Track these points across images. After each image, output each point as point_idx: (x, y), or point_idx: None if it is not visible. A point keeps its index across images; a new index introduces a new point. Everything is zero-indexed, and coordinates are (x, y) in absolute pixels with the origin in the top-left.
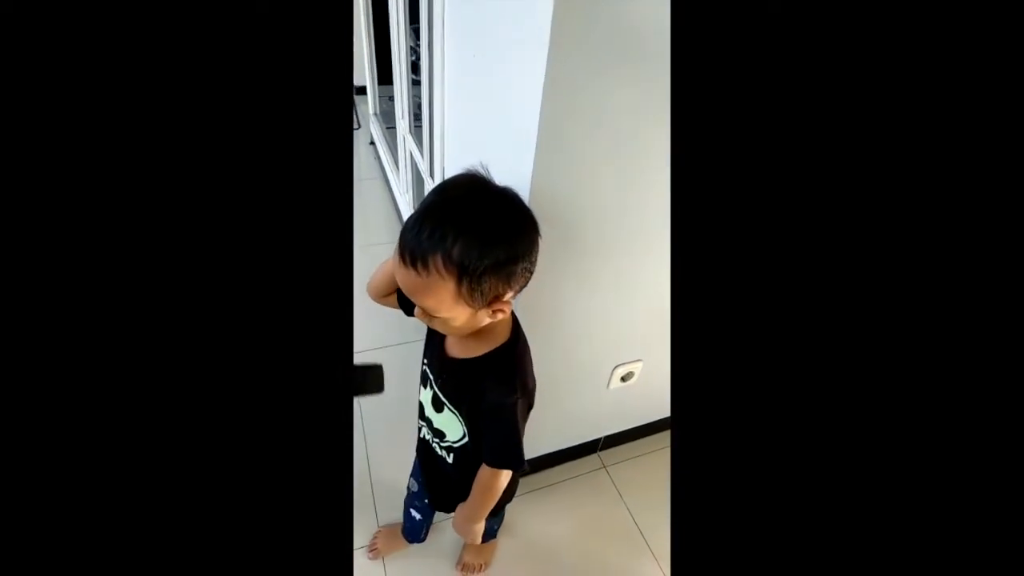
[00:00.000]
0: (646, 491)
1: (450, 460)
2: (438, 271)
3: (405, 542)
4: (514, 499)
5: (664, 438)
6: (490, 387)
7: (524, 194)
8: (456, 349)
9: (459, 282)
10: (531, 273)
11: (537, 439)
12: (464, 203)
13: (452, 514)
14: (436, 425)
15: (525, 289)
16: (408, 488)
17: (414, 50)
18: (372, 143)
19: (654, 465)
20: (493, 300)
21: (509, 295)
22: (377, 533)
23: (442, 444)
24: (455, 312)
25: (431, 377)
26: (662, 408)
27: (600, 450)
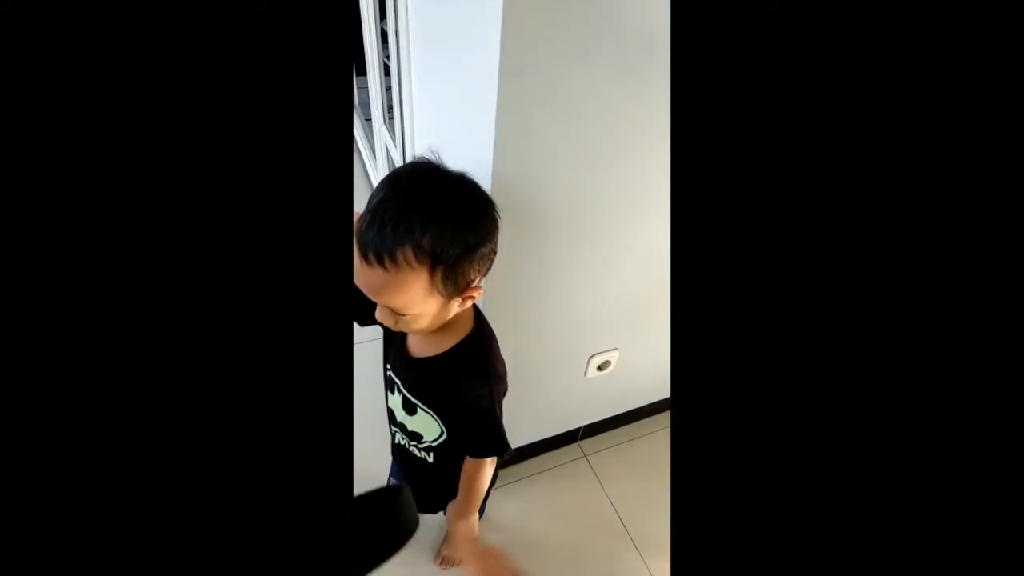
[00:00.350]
0: (627, 479)
1: (431, 460)
2: (408, 264)
3: None
4: (493, 491)
5: (644, 426)
6: (463, 381)
7: (487, 181)
8: (420, 348)
9: (432, 272)
10: (495, 255)
11: (516, 429)
12: (424, 190)
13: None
14: (411, 428)
15: (494, 279)
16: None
17: (385, 38)
18: None
19: (635, 453)
20: (464, 287)
21: (478, 280)
22: None
23: (420, 446)
24: (427, 306)
25: (397, 381)
26: (641, 396)
27: (580, 439)
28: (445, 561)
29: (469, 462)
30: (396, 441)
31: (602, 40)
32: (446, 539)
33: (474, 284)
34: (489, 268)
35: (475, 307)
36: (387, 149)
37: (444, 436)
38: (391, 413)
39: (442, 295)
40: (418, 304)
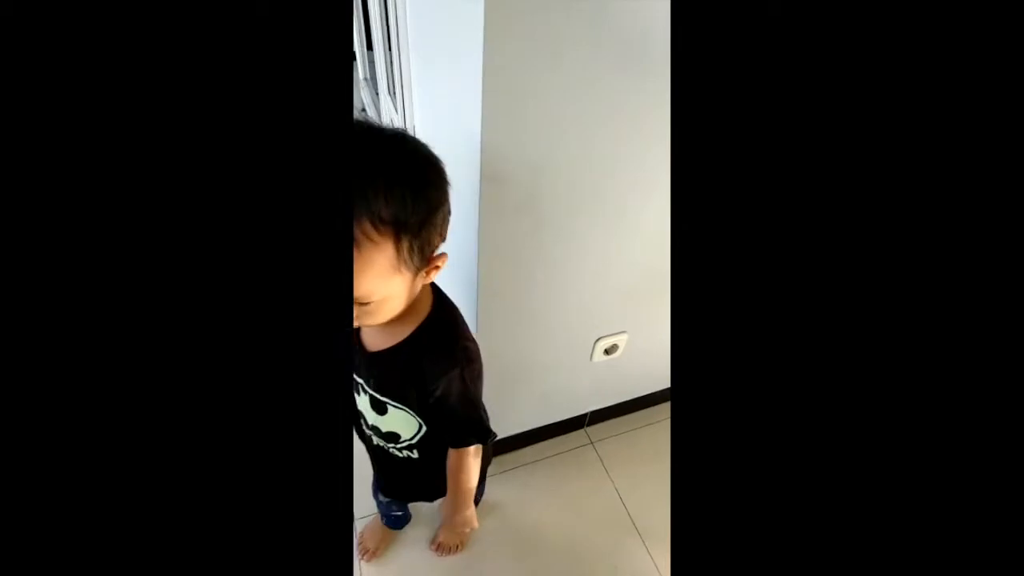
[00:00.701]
0: (634, 468)
1: (417, 456)
2: (369, 238)
3: (393, 532)
4: (495, 476)
5: (653, 413)
6: (429, 367)
7: (475, 153)
8: (376, 340)
9: (398, 243)
10: (450, 215)
11: (520, 414)
12: (369, 152)
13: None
14: (386, 429)
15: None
16: (377, 501)
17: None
18: (363, 109)
19: (643, 441)
20: (430, 256)
21: (440, 246)
22: (362, 533)
23: (400, 446)
24: (393, 286)
25: (360, 381)
26: (650, 382)
27: (587, 425)
28: (441, 547)
29: (452, 455)
30: (375, 444)
31: (593, 14)
32: (443, 524)
33: (438, 251)
34: (447, 230)
35: (431, 285)
36: (392, 121)
37: (424, 429)
38: (361, 417)
39: (410, 268)
40: (385, 285)
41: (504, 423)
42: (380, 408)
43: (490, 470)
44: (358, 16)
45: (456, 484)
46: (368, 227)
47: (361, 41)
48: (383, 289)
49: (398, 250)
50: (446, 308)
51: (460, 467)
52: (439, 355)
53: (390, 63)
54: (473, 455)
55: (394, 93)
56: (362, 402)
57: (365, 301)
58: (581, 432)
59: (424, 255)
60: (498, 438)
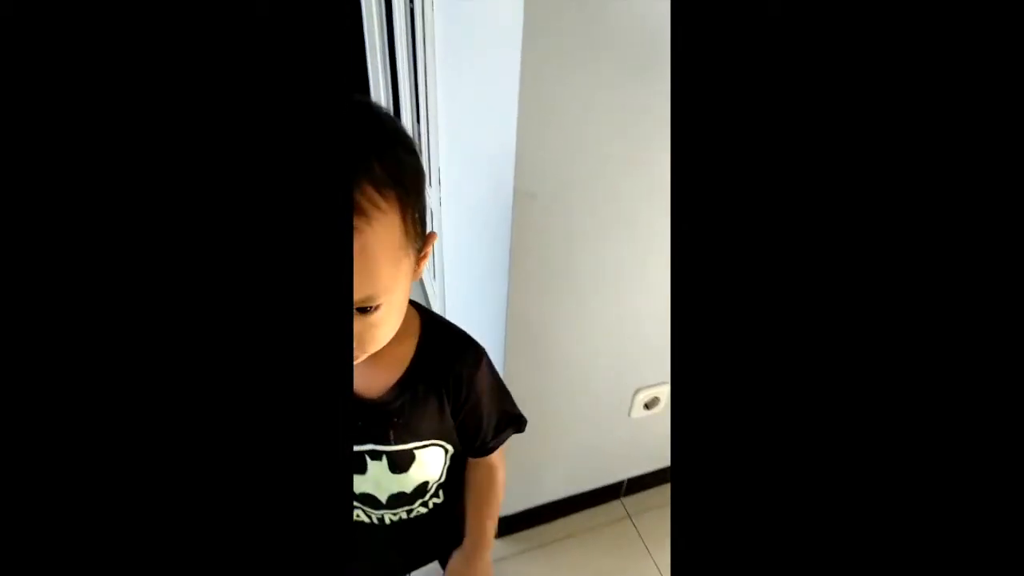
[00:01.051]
0: None
1: (442, 499)
2: (376, 205)
3: None
4: (517, 556)
5: None
6: (460, 368)
7: (509, 174)
8: (375, 381)
9: (403, 211)
10: None
11: (547, 481)
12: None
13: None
14: (412, 487)
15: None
16: None
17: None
18: None
19: None
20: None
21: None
22: None
23: (427, 498)
24: (400, 276)
25: (371, 447)
26: None
27: (624, 495)
28: None
29: (479, 471)
30: (387, 523)
31: (626, 33)
32: None
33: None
34: None
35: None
36: None
37: (452, 452)
38: (368, 500)
39: (414, 249)
40: (395, 276)
41: (528, 493)
42: (403, 464)
43: (511, 548)
44: (387, 83)
45: (481, 509)
46: (372, 192)
47: (389, 105)
48: (393, 282)
49: (404, 220)
50: (430, 311)
51: (491, 481)
52: (461, 350)
53: (416, 107)
54: (503, 467)
55: (419, 135)
56: (375, 472)
57: (375, 303)
58: (617, 503)
59: (423, 229)
60: (521, 510)
